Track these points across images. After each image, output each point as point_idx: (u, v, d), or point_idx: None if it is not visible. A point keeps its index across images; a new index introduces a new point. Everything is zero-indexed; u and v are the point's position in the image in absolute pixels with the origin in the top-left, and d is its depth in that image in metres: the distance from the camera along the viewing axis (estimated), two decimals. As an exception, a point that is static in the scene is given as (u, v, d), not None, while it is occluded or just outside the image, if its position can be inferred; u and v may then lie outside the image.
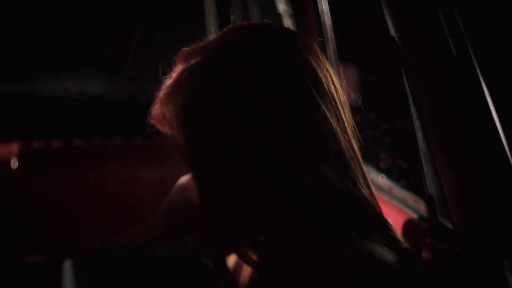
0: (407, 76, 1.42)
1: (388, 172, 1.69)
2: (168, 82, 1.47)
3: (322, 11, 2.00)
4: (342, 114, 1.48)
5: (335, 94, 1.46)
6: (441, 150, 1.35)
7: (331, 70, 1.47)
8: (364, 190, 1.43)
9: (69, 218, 2.62)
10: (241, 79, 1.42)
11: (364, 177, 1.46)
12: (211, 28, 1.62)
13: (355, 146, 1.47)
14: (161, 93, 1.48)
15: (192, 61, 1.45)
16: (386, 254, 1.36)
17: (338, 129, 1.45)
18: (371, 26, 1.81)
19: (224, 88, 1.42)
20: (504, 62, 1.30)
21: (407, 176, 1.65)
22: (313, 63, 1.44)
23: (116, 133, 2.43)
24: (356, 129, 1.47)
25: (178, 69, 1.47)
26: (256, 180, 1.41)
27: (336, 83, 1.46)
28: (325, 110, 1.45)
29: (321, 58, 1.46)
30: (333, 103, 1.45)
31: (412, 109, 1.42)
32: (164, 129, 1.49)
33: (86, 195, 2.61)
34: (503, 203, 1.24)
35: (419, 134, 1.50)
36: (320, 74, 1.44)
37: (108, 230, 1.97)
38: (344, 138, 1.45)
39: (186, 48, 1.47)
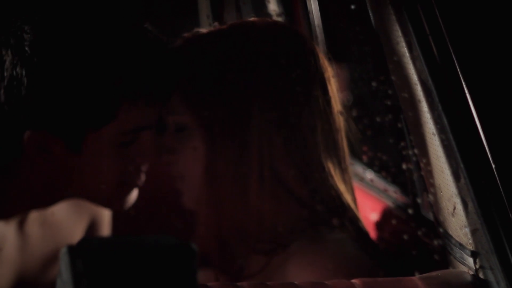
0: (392, 74, 1.46)
1: (370, 165, 1.73)
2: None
3: (311, 11, 2.03)
4: (330, 111, 1.53)
5: (330, 94, 1.52)
6: (423, 146, 1.39)
7: (329, 68, 1.53)
8: (339, 187, 1.49)
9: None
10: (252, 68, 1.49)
11: (343, 173, 1.51)
12: (205, 27, 1.66)
13: (341, 143, 1.52)
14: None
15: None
16: (350, 244, 1.44)
17: (322, 124, 1.50)
18: (358, 26, 1.84)
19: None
20: (483, 61, 1.33)
21: (388, 168, 1.69)
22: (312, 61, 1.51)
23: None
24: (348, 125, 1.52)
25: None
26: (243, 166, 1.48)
27: (332, 81, 1.52)
28: (314, 107, 1.50)
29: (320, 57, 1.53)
30: (322, 102, 1.51)
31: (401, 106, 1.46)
32: None
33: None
34: (482, 197, 1.27)
35: (405, 130, 1.54)
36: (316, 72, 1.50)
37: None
38: (327, 134, 1.50)
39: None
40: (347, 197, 1.51)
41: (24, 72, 1.46)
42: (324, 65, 1.54)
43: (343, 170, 1.52)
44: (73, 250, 0.96)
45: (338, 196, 1.50)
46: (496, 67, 1.33)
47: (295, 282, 1.23)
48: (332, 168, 1.50)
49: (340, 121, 1.53)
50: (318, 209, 1.49)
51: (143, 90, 1.49)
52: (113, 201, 1.59)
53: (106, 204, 1.63)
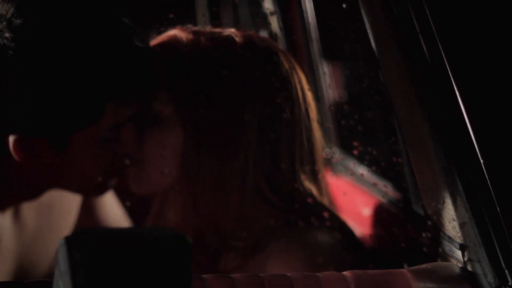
0: (384, 72, 1.48)
1: (360, 159, 1.75)
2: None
3: (306, 10, 2.05)
4: (305, 112, 1.56)
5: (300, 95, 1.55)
6: (414, 142, 1.41)
7: (300, 74, 1.56)
8: (311, 188, 1.53)
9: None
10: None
11: (316, 175, 1.55)
12: (201, 25, 1.68)
13: (316, 139, 1.55)
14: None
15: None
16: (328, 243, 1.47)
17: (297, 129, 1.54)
18: (352, 24, 1.85)
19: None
20: (472, 59, 1.34)
21: (378, 163, 1.71)
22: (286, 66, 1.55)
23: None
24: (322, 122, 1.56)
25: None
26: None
27: (304, 83, 1.56)
28: (287, 108, 1.54)
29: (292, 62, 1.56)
30: (297, 102, 1.54)
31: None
32: None
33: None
34: (471, 192, 1.28)
35: (397, 126, 1.55)
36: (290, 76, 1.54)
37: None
38: (300, 133, 1.54)
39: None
40: (321, 197, 1.55)
41: (8, 76, 1.46)
42: (299, 76, 1.58)
43: (317, 172, 1.56)
44: (70, 241, 0.97)
45: (312, 196, 1.54)
46: (484, 65, 1.34)
47: (288, 274, 1.25)
48: (307, 170, 1.55)
49: (315, 128, 1.57)
50: (295, 208, 1.52)
51: (128, 89, 1.51)
52: (95, 190, 1.62)
53: (88, 194, 1.66)
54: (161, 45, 1.58)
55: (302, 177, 1.55)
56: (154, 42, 1.59)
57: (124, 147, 1.56)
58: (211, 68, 1.54)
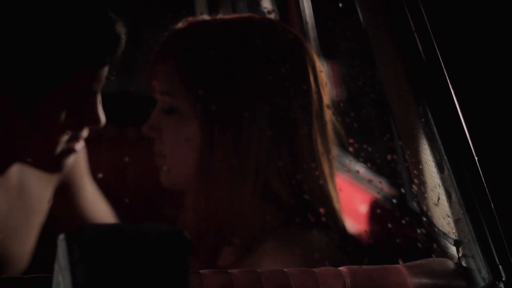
0: (380, 70, 1.48)
1: (356, 156, 1.75)
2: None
3: (304, 9, 2.05)
4: (320, 105, 1.56)
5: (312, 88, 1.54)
6: (409, 139, 1.42)
7: (317, 63, 1.55)
8: (326, 178, 1.52)
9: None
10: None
11: (330, 165, 1.55)
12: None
13: (329, 135, 1.55)
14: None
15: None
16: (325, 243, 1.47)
17: (313, 118, 1.53)
18: (349, 23, 1.86)
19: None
20: (467, 57, 1.34)
21: (373, 160, 1.71)
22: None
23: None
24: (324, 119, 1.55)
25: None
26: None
27: (321, 75, 1.55)
28: (306, 100, 1.53)
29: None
30: (307, 98, 1.54)
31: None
32: None
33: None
34: (465, 188, 1.29)
35: (393, 124, 1.56)
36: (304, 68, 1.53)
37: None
38: (318, 126, 1.53)
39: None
40: (331, 189, 1.54)
41: None
42: (314, 60, 1.57)
43: (330, 162, 1.55)
44: (70, 236, 0.98)
45: (323, 188, 1.53)
46: (479, 63, 1.34)
47: (284, 270, 1.25)
48: (321, 160, 1.53)
49: (328, 114, 1.56)
50: (297, 202, 1.52)
51: (96, 57, 1.52)
52: (51, 162, 1.62)
53: (43, 166, 1.65)
54: (175, 37, 1.58)
55: (321, 163, 1.53)
56: (167, 34, 1.59)
57: (88, 116, 1.57)
58: (225, 62, 1.54)
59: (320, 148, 1.54)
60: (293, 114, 1.52)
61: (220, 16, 1.61)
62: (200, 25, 1.58)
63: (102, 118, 1.58)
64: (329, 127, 1.56)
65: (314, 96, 1.54)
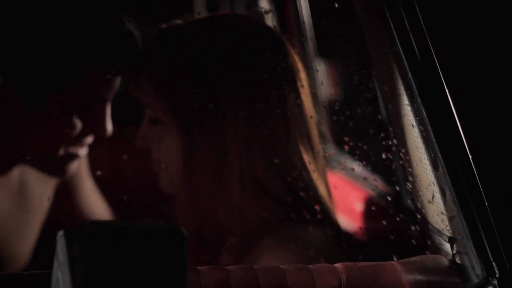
0: (375, 69, 1.49)
1: (351, 154, 1.76)
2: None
3: (301, 9, 2.05)
4: (301, 104, 1.57)
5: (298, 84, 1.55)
6: (404, 138, 1.42)
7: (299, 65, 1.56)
8: (312, 176, 1.53)
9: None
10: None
11: (316, 162, 1.55)
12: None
13: (312, 132, 1.56)
14: None
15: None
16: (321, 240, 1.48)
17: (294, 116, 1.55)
18: (346, 23, 1.86)
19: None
20: (461, 56, 1.35)
21: (368, 158, 1.72)
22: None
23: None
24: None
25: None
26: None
27: (303, 76, 1.56)
28: (286, 99, 1.54)
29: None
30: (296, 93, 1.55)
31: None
32: None
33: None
34: (459, 186, 1.29)
35: (387, 122, 1.57)
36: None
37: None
38: (299, 124, 1.54)
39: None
40: (321, 186, 1.55)
41: None
42: (294, 61, 1.57)
43: (316, 159, 1.56)
44: (69, 233, 0.99)
45: (313, 185, 1.54)
46: (474, 62, 1.35)
47: (281, 266, 1.26)
48: (306, 157, 1.54)
49: (311, 116, 1.57)
50: (293, 200, 1.53)
51: (110, 62, 1.52)
52: (53, 166, 1.62)
53: (47, 169, 1.65)
54: (147, 48, 1.59)
55: (305, 161, 1.54)
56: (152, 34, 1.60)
57: (95, 122, 1.57)
58: (202, 63, 1.55)
59: (311, 146, 1.55)
60: (271, 112, 1.54)
61: (190, 18, 1.62)
62: (169, 31, 1.59)
63: (109, 127, 1.59)
64: (313, 124, 1.57)
65: (293, 94, 1.55)
